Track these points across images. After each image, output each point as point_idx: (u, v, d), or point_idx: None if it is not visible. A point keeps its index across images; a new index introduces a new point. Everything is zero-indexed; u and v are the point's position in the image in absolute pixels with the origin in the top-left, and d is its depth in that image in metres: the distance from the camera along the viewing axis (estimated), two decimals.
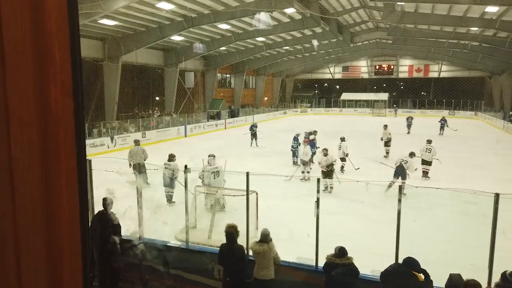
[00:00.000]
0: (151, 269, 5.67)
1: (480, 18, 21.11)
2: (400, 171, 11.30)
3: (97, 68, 22.95)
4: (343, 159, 14.16)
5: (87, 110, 22.44)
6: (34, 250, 0.82)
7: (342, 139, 14.37)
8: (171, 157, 10.10)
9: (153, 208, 5.97)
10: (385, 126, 17.58)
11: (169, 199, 10.06)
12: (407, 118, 26.99)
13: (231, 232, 5.08)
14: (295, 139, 15.88)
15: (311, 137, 15.76)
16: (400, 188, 5.05)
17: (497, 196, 4.57)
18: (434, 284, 4.51)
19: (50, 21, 0.80)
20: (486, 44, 27.56)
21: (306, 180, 12.38)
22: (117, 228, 5.38)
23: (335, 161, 11.52)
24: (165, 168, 9.79)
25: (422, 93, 49.01)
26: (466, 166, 15.21)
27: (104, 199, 5.53)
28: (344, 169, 14.18)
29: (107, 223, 5.31)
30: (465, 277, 4.01)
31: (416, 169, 11.68)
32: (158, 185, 10.22)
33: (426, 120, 31.11)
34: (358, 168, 14.24)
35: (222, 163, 9.77)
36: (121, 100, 24.00)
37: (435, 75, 46.93)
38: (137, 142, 12.59)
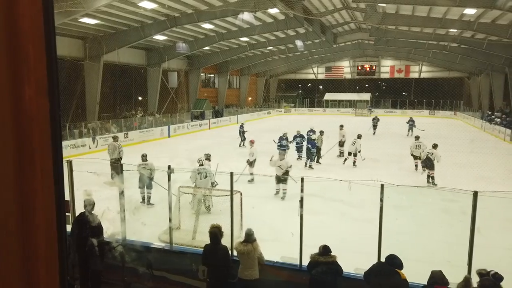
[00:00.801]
0: (134, 271, 5.60)
1: (459, 20, 21.60)
2: (428, 163, 12.59)
3: (77, 68, 22.52)
4: (355, 155, 15.33)
5: (67, 110, 22.01)
6: (8, 254, 0.80)
7: (359, 137, 15.42)
8: (145, 157, 10.18)
9: (131, 210, 5.89)
10: (341, 126, 17.74)
11: (148, 200, 10.05)
12: (373, 119, 26.76)
13: (215, 232, 5.06)
14: (281, 139, 15.95)
15: (313, 136, 15.88)
16: (383, 187, 5.10)
17: (475, 194, 4.67)
18: (416, 282, 4.59)
19: (24, 19, 0.77)
20: (465, 45, 28.22)
21: (250, 181, 12.17)
22: (96, 229, 5.28)
23: (290, 167, 10.83)
24: (143, 168, 9.80)
25: (403, 93, 49.85)
26: (446, 164, 15.52)
27: (84, 201, 5.45)
28: (356, 164, 15.35)
29: (85, 225, 5.22)
30: (445, 273, 4.09)
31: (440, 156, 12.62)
32: (137, 186, 10.24)
33: (395, 120, 31.48)
34: (364, 159, 15.56)
35: (214, 165, 9.84)
36: (102, 100, 23.62)
37: (416, 75, 47.83)
38: (115, 138, 13.60)
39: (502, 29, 20.81)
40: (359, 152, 15.34)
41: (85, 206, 5.46)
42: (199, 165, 9.45)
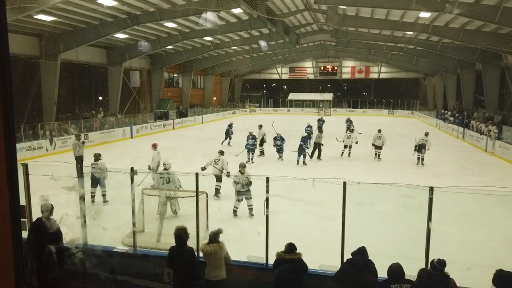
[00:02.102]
0: (96, 277, 5.42)
1: (415, 23, 22.53)
2: (422, 147, 15.94)
3: (33, 66, 21.47)
4: (350, 147, 17.35)
5: (22, 111, 20.94)
6: None
7: (352, 131, 17.71)
8: (98, 157, 10.32)
9: (92, 214, 5.71)
10: (260, 126, 18.08)
11: (103, 198, 10.18)
12: (318, 120, 25.84)
13: (180, 234, 4.99)
14: (247, 138, 16.01)
15: (304, 134, 16.50)
16: (345, 184, 5.22)
17: (431, 189, 4.89)
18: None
19: None
20: (420, 47, 29.48)
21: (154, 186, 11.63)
22: (54, 236, 5.05)
23: (250, 177, 9.51)
24: (93, 168, 10.04)
25: (364, 93, 51.42)
26: (404, 161, 16.21)
27: (41, 206, 5.21)
28: (350, 155, 17.44)
29: (42, 231, 4.99)
30: (404, 266, 4.26)
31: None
32: (97, 190, 10.13)
33: (338, 119, 32.03)
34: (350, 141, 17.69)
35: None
36: (60, 101, 22.64)
37: (375, 76, 49.46)
38: (76, 137, 14.20)
39: (454, 32, 21.94)
40: (356, 143, 17.26)
41: (42, 212, 5.23)
42: (163, 169, 9.19)
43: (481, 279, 4.54)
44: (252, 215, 9.18)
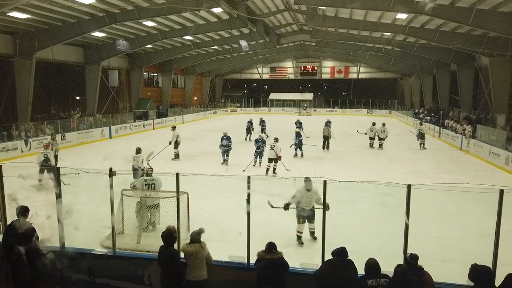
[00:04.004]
0: (74, 279, 5.32)
1: (392, 24, 22.97)
2: (421, 135, 19.75)
3: (6, 65, 20.81)
4: (373, 138, 19.91)
5: None
6: None
7: (374, 124, 20.34)
8: (139, 150, 11.47)
9: (71, 215, 5.58)
10: (173, 128, 17.45)
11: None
12: (260, 122, 24.10)
13: (164, 235, 4.96)
14: (222, 138, 15.81)
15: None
16: (325, 183, 5.28)
17: (409, 187, 4.99)
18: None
19: None
20: (398, 48, 30.08)
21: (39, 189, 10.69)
22: (21, 236, 4.89)
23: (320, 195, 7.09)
24: (134, 160, 11.20)
25: (343, 93, 52.10)
26: (383, 160, 16.52)
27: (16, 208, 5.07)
28: (373, 145, 19.89)
29: (11, 232, 4.85)
30: (383, 262, 4.34)
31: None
32: (68, 191, 9.77)
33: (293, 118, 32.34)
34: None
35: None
36: (36, 100, 22.04)
37: (354, 76, 50.19)
38: (52, 136, 14.44)
39: (430, 33, 22.47)
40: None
41: (17, 211, 5.09)
42: (146, 174, 8.31)
43: (457, 273, 4.68)
44: (315, 238, 7.56)
